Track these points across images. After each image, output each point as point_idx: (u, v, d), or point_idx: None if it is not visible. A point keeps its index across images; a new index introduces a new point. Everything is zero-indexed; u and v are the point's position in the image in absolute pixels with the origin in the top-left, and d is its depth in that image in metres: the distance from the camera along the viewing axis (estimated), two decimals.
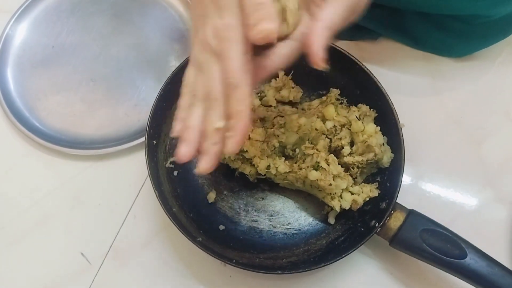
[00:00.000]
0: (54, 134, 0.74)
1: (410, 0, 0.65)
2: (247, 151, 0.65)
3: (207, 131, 0.45)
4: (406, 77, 0.76)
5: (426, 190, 0.70)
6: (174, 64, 0.77)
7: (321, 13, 0.44)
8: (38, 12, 0.81)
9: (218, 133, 0.44)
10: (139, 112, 0.75)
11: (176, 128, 0.48)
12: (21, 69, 0.78)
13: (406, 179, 0.70)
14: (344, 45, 0.70)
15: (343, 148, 0.65)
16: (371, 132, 0.64)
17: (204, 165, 0.45)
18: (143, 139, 0.70)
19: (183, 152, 0.46)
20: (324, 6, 0.44)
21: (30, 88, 0.77)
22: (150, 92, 0.76)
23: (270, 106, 0.71)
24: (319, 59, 0.44)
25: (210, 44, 0.44)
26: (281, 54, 0.45)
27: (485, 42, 0.72)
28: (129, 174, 0.72)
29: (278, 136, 0.65)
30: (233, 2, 0.42)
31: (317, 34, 0.44)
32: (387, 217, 0.60)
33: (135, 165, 0.72)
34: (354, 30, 0.66)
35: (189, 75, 0.48)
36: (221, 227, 0.68)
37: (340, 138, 0.65)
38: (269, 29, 0.41)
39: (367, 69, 0.66)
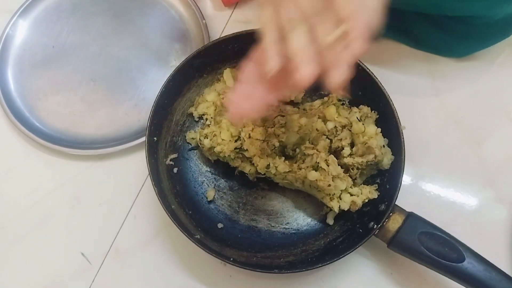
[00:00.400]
0: (54, 134, 0.74)
1: (411, 1, 0.65)
2: (247, 149, 0.65)
3: (327, 44, 0.42)
4: (406, 77, 0.75)
5: (426, 190, 0.71)
6: (175, 63, 0.77)
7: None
8: (38, 12, 0.81)
9: (340, 42, 0.41)
10: (139, 112, 0.76)
11: (274, 61, 0.44)
12: (21, 69, 0.78)
13: (406, 179, 0.70)
14: None
15: (343, 149, 0.65)
16: (371, 134, 0.64)
17: (342, 75, 0.41)
18: (143, 139, 0.70)
19: (309, 72, 0.42)
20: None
21: (30, 88, 0.77)
22: (150, 92, 0.76)
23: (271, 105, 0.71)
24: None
25: None
26: None
27: (485, 42, 0.72)
28: (129, 174, 0.72)
29: (278, 135, 0.65)
30: None
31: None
32: (385, 219, 0.60)
33: (135, 165, 0.72)
34: None
35: (267, 13, 0.45)
36: (220, 225, 0.68)
37: (341, 139, 0.65)
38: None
39: (370, 70, 0.65)
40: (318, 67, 0.42)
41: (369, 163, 0.64)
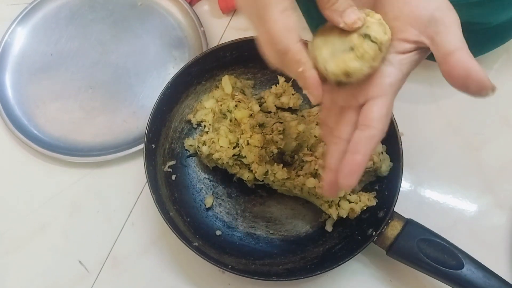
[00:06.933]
0: (52, 142, 0.74)
1: None
2: (245, 156, 0.65)
3: None
4: (404, 84, 0.75)
5: (425, 196, 0.70)
6: (173, 71, 0.77)
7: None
8: (37, 19, 0.81)
9: None
10: (137, 119, 0.76)
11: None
12: (20, 77, 0.78)
13: (405, 185, 0.70)
14: None
15: None
16: None
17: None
18: (141, 146, 0.70)
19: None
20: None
21: (29, 95, 0.77)
22: (149, 99, 0.76)
23: (270, 112, 0.71)
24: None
25: None
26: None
27: (482, 48, 0.72)
28: (128, 182, 0.72)
29: (276, 142, 0.65)
30: None
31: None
32: (384, 226, 0.60)
33: (133, 173, 0.72)
34: None
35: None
36: (218, 233, 0.68)
37: None
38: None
39: None
40: None
41: (367, 169, 0.64)
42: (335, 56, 0.40)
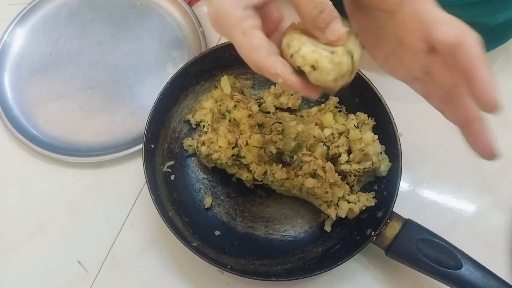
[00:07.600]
0: (51, 142, 0.74)
1: None
2: (244, 157, 0.65)
3: None
4: (403, 84, 0.75)
5: (423, 196, 0.70)
6: (172, 71, 0.77)
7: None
8: (36, 19, 0.81)
9: None
10: (136, 119, 0.76)
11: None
12: (19, 77, 0.78)
13: (404, 185, 0.70)
14: None
15: (340, 156, 0.65)
16: (368, 141, 0.64)
17: None
18: (140, 146, 0.69)
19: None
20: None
21: (28, 95, 0.77)
22: (148, 99, 0.76)
23: (269, 112, 0.71)
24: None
25: None
26: None
27: None
28: (127, 182, 0.72)
29: (275, 142, 0.65)
30: None
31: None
32: (383, 226, 0.60)
33: (132, 173, 0.72)
34: None
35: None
36: (217, 233, 0.68)
37: (338, 146, 0.65)
38: None
39: (366, 77, 0.66)
40: None
41: (366, 170, 0.64)
42: (315, 46, 0.40)
